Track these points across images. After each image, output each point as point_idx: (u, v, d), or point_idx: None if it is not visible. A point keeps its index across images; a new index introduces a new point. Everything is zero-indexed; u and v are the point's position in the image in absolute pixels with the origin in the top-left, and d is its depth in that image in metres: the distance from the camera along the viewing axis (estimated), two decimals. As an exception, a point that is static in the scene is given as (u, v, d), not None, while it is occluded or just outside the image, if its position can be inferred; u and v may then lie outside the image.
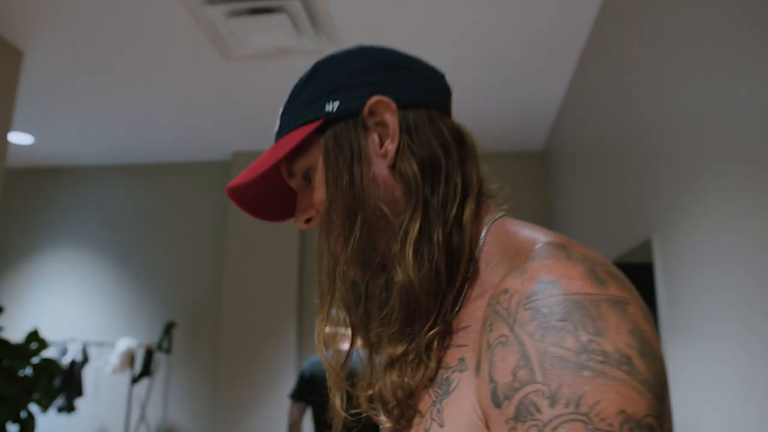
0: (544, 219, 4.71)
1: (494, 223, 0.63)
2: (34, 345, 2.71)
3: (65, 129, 4.62)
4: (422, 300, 0.59)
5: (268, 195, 0.74)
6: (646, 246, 2.23)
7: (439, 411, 0.54)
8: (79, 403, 4.62)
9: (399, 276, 0.60)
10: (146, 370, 4.54)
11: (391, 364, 0.60)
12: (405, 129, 0.64)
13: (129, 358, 4.55)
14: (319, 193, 0.66)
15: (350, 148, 0.63)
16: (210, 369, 4.81)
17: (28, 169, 5.38)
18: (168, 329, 4.64)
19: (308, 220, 0.70)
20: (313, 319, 4.34)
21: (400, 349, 0.60)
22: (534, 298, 0.47)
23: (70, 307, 5.12)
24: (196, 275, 4.99)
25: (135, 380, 4.56)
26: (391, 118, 0.64)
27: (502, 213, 0.66)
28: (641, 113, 2.32)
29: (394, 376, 0.59)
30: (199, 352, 4.87)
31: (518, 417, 0.44)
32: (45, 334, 2.78)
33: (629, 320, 0.46)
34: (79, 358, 4.61)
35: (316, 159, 0.66)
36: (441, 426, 0.53)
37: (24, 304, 5.07)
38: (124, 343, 4.57)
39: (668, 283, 2.03)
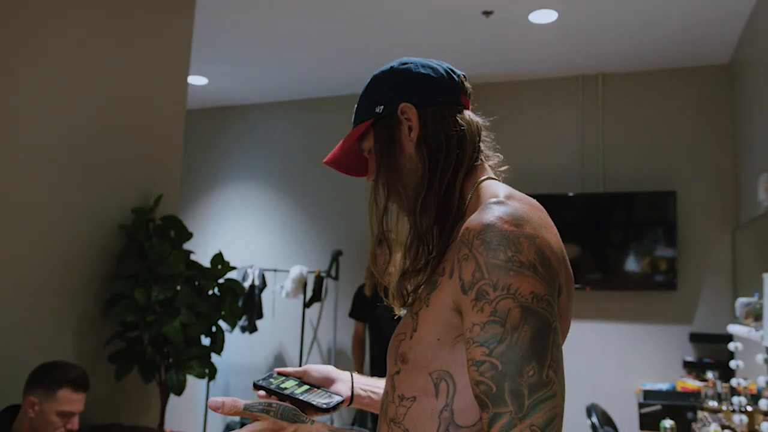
0: (730, 139, 4.26)
1: (479, 185, 0.94)
2: (218, 267, 2.94)
3: (236, 69, 4.86)
4: (425, 237, 0.94)
5: (354, 158, 1.09)
6: None
7: (428, 297, 0.88)
8: (259, 324, 5.03)
9: (412, 222, 0.95)
10: (317, 295, 4.81)
11: (405, 274, 0.96)
12: (423, 123, 0.96)
13: (301, 284, 4.84)
14: (372, 165, 1.01)
15: (389, 137, 0.97)
16: (375, 295, 4.99)
17: (202, 109, 5.76)
18: (335, 257, 4.85)
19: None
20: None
21: (409, 265, 0.95)
22: (483, 232, 0.78)
23: (248, 236, 5.52)
24: (362, 206, 5.12)
25: (307, 304, 4.86)
26: (413, 117, 0.96)
27: (486, 177, 0.96)
28: None
29: (405, 281, 0.97)
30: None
31: (477, 298, 0.76)
32: (226, 259, 3.03)
33: (536, 247, 0.77)
34: (257, 282, 4.99)
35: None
36: (427, 306, 0.87)
37: (206, 233, 5.53)
38: (296, 270, 4.86)
39: None
